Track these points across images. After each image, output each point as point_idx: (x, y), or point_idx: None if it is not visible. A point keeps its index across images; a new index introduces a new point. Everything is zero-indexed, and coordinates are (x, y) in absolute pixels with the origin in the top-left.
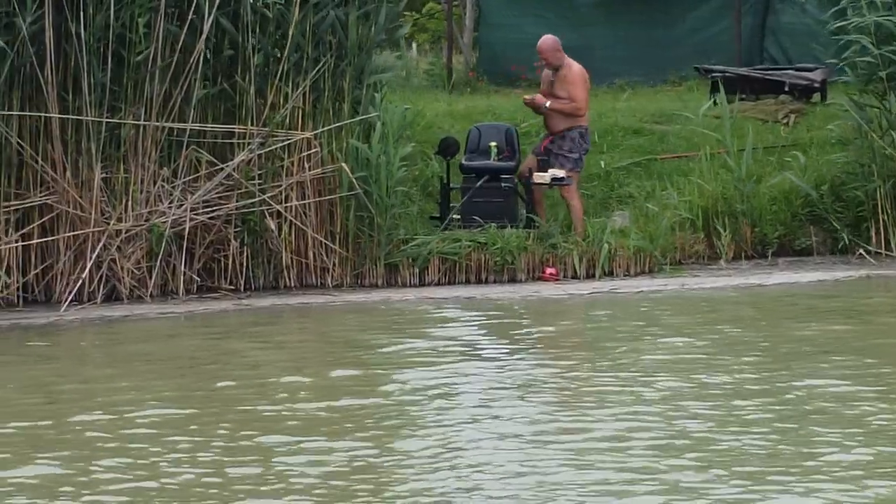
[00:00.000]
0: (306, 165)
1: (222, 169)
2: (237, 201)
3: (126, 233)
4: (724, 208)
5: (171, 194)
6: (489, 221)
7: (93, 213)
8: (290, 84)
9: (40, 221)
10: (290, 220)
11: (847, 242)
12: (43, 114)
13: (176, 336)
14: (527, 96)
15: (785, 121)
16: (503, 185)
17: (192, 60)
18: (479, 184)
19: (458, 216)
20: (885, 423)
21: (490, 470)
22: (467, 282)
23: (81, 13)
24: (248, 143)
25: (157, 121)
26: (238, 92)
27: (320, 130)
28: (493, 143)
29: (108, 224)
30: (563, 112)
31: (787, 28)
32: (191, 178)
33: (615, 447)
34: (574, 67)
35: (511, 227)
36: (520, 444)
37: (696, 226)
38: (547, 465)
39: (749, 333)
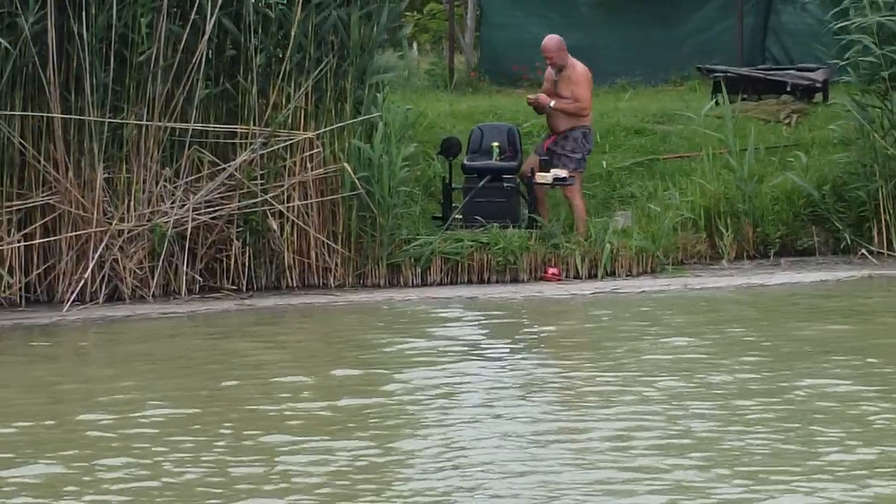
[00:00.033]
0: (308, 165)
1: (224, 169)
2: (239, 201)
3: (128, 233)
4: (727, 208)
5: (173, 194)
6: (491, 221)
7: (95, 213)
8: (293, 84)
9: (42, 221)
10: (293, 221)
11: (849, 242)
12: (45, 114)
13: (178, 336)
14: (530, 95)
15: (787, 121)
16: (505, 185)
17: (194, 60)
18: (481, 184)
19: (461, 216)
20: (887, 422)
21: (493, 469)
22: (469, 282)
23: (84, 13)
24: (251, 143)
25: (160, 121)
26: (240, 92)
27: (322, 130)
28: (495, 144)
29: (111, 224)
30: (567, 112)
31: (788, 28)
32: (193, 178)
33: (617, 446)
34: (578, 67)
35: (513, 227)
36: (522, 444)
37: (698, 226)
38: (549, 464)
39: (751, 333)
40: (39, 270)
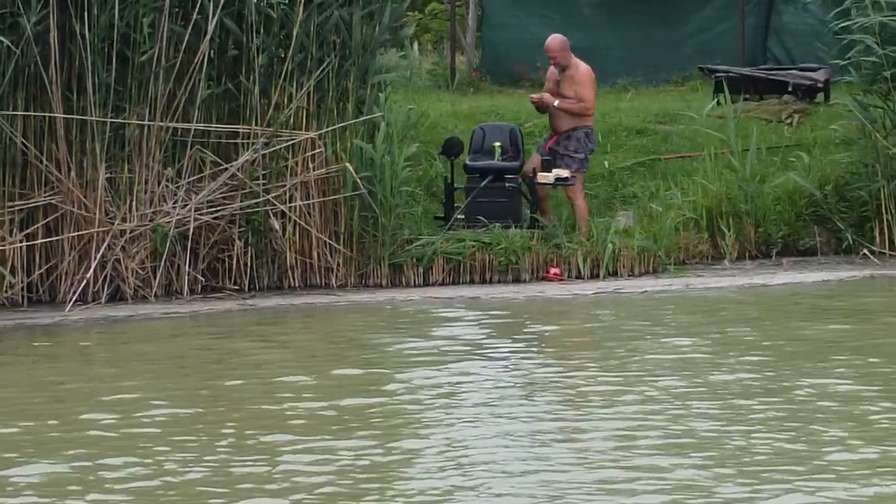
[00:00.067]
0: (310, 165)
1: (226, 169)
2: (241, 201)
3: (130, 233)
4: (728, 208)
5: (175, 194)
6: (493, 221)
7: (97, 213)
8: (295, 84)
9: (45, 221)
10: (295, 221)
11: (851, 242)
12: (47, 114)
13: (180, 336)
14: (534, 95)
15: (788, 121)
16: (507, 185)
17: (196, 60)
18: (483, 184)
19: (463, 216)
20: (889, 422)
21: (495, 468)
22: (471, 282)
23: (86, 13)
24: (253, 144)
25: (162, 121)
26: (242, 92)
27: (324, 130)
28: (497, 144)
29: (113, 224)
30: (571, 112)
31: (790, 28)
32: (195, 178)
33: (619, 446)
34: (581, 67)
35: (515, 227)
36: (524, 443)
37: (700, 226)
38: (551, 463)
39: (753, 333)
40: (42, 270)
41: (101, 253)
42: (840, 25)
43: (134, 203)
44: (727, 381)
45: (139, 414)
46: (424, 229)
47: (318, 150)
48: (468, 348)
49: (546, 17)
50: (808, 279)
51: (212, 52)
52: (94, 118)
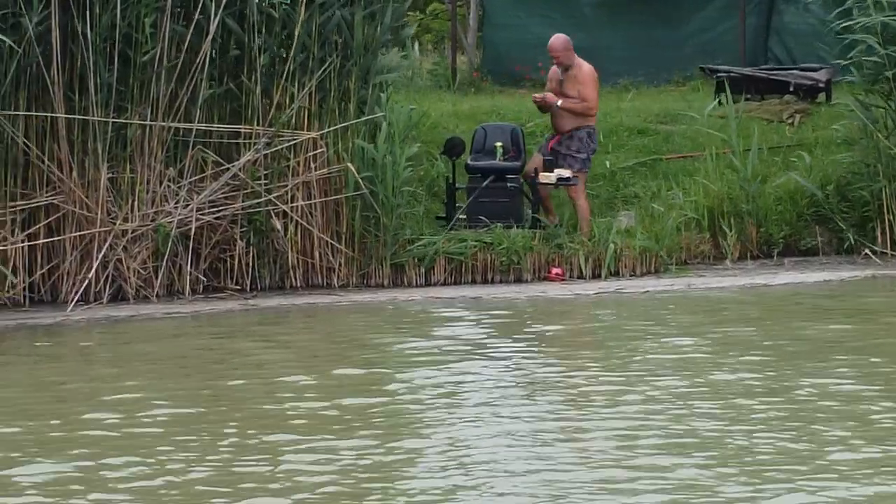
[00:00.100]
0: (312, 165)
1: (228, 169)
2: (243, 201)
3: (132, 233)
4: (730, 208)
5: (177, 194)
6: (495, 221)
7: (99, 213)
8: (296, 84)
9: (46, 221)
10: (296, 220)
11: (852, 242)
12: (49, 114)
13: (182, 336)
14: (537, 94)
15: (790, 121)
16: (509, 185)
17: (198, 60)
18: (484, 184)
19: (464, 216)
20: (891, 421)
21: (497, 468)
22: (473, 282)
23: (87, 13)
24: (254, 143)
25: (163, 121)
26: (244, 92)
27: (326, 130)
28: (498, 143)
29: (115, 224)
30: (574, 111)
31: (791, 28)
32: (197, 178)
33: (621, 446)
34: (584, 67)
35: (517, 227)
36: (526, 443)
37: (701, 226)
38: (553, 463)
39: (754, 333)
40: (43, 270)
41: (102, 253)
42: (842, 25)
43: (136, 203)
44: (729, 380)
45: (141, 414)
46: (426, 229)
47: (319, 150)
48: (470, 348)
49: (547, 17)
50: (810, 279)
51: (213, 51)
52: (95, 118)
